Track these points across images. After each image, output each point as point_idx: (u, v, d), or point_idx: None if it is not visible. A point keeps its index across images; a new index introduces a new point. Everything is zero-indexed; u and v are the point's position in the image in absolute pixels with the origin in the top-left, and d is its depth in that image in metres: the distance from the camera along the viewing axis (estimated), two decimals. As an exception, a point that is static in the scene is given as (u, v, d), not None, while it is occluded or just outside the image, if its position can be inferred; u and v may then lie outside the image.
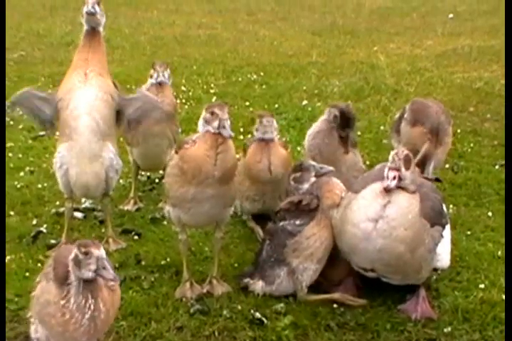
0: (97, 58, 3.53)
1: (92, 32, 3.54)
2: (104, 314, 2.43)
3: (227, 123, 2.95)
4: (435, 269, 3.20)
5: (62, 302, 2.38)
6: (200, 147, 2.99)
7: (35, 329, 2.54)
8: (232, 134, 2.98)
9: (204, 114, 3.01)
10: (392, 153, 2.98)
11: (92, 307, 2.39)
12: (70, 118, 3.43)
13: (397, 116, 4.33)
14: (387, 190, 2.91)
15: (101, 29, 3.57)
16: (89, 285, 2.39)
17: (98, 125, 3.43)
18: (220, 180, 3.02)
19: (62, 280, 2.40)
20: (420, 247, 2.96)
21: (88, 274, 2.36)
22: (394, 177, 2.90)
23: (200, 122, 3.03)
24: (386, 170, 2.96)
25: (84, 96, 3.43)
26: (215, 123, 2.95)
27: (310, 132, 3.96)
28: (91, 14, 3.48)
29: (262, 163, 3.71)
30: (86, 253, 2.35)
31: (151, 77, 4.12)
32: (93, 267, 2.36)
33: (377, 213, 2.92)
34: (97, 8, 3.49)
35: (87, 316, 2.38)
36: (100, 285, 2.43)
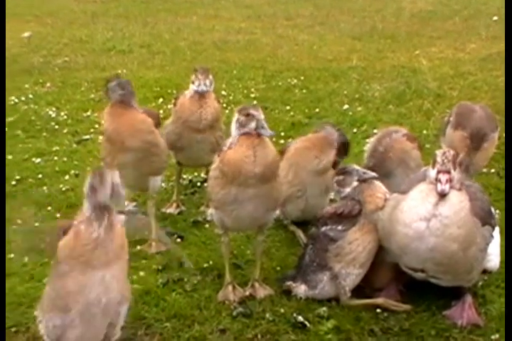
0: None
1: None
2: (117, 238, 2.47)
3: (265, 123, 2.98)
4: (485, 271, 3.15)
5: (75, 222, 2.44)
6: (238, 150, 3.01)
7: (49, 319, 2.50)
8: (273, 133, 3.01)
9: (237, 117, 3.04)
10: (439, 153, 2.95)
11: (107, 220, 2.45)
12: None
13: (446, 119, 4.30)
14: (443, 195, 2.88)
15: None
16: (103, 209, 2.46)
17: None
18: (261, 178, 3.03)
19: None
20: (472, 246, 2.93)
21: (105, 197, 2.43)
22: (446, 181, 2.88)
23: (234, 125, 3.06)
24: (434, 172, 2.93)
25: None
26: (253, 125, 2.98)
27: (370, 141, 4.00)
28: None
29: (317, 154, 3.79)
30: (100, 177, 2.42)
31: (193, 83, 4.05)
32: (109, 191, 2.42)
33: (429, 212, 2.89)
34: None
35: (105, 224, 2.42)
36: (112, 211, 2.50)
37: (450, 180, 2.89)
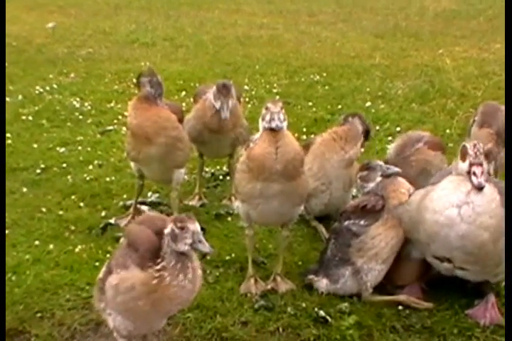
0: None
1: None
2: (199, 282, 2.49)
3: (279, 116, 2.95)
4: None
5: (158, 267, 2.39)
6: (261, 145, 3.02)
7: (114, 319, 2.56)
8: (280, 125, 2.95)
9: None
10: (470, 146, 2.89)
11: (192, 270, 2.43)
12: None
13: (471, 119, 4.28)
14: (480, 188, 2.82)
15: None
16: (184, 255, 2.43)
17: None
18: (284, 174, 3.03)
19: (151, 256, 2.42)
20: (502, 238, 2.87)
21: (184, 248, 2.39)
22: (482, 173, 2.83)
23: (260, 120, 3.06)
24: (465, 164, 2.88)
25: None
26: (267, 117, 2.97)
27: (393, 147, 4.00)
28: None
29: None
30: (182, 228, 2.38)
31: (215, 99, 3.89)
32: (189, 241, 2.39)
33: (461, 199, 2.85)
34: None
35: (189, 276, 2.41)
36: (192, 256, 2.46)
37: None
